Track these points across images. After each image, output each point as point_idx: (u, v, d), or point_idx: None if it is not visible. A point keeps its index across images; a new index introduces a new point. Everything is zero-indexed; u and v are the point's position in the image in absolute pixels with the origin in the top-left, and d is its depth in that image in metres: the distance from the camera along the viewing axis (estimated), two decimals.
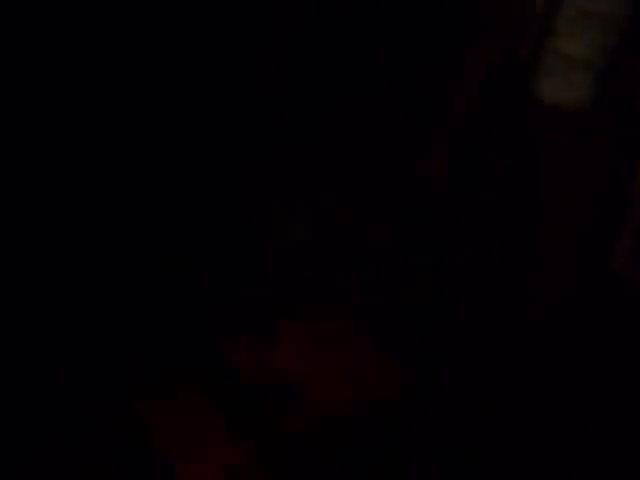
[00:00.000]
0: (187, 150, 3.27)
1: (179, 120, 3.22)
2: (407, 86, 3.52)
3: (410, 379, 3.17)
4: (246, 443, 2.97)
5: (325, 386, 3.09)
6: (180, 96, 3.21)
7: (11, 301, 3.07)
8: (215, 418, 3.11)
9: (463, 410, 3.09)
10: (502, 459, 3.03)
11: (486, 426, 3.15)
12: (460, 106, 3.41)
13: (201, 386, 3.23)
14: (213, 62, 3.22)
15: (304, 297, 3.37)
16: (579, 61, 3.30)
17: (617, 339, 3.25)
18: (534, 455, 3.07)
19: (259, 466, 2.89)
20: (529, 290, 3.40)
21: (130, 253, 3.24)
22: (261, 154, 3.45)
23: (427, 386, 3.18)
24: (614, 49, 3.22)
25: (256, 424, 3.03)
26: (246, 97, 3.23)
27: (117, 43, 2.97)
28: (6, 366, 2.92)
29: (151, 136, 3.20)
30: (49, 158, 3.04)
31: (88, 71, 2.99)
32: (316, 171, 3.50)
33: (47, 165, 3.04)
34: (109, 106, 3.05)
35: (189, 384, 3.26)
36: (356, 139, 3.59)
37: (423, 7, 3.41)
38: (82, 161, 3.08)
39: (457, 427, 3.11)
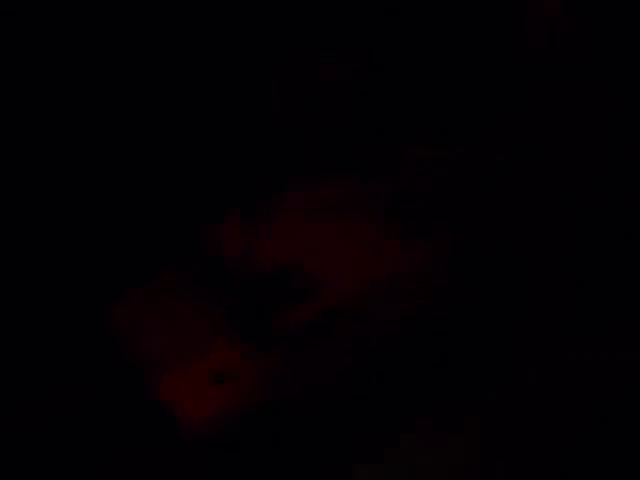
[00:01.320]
0: None
1: None
2: None
3: (438, 259, 2.59)
4: (238, 342, 2.50)
5: (330, 269, 2.55)
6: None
7: None
8: (200, 315, 2.63)
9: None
10: None
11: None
12: None
13: (181, 279, 2.71)
14: None
15: (302, 165, 2.79)
16: None
17: None
18: None
19: (254, 367, 2.43)
20: None
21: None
22: None
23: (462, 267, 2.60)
24: None
25: (249, 319, 2.54)
26: None
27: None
28: None
29: None
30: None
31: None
32: None
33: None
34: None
35: (166, 278, 2.75)
36: None
37: None
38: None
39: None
